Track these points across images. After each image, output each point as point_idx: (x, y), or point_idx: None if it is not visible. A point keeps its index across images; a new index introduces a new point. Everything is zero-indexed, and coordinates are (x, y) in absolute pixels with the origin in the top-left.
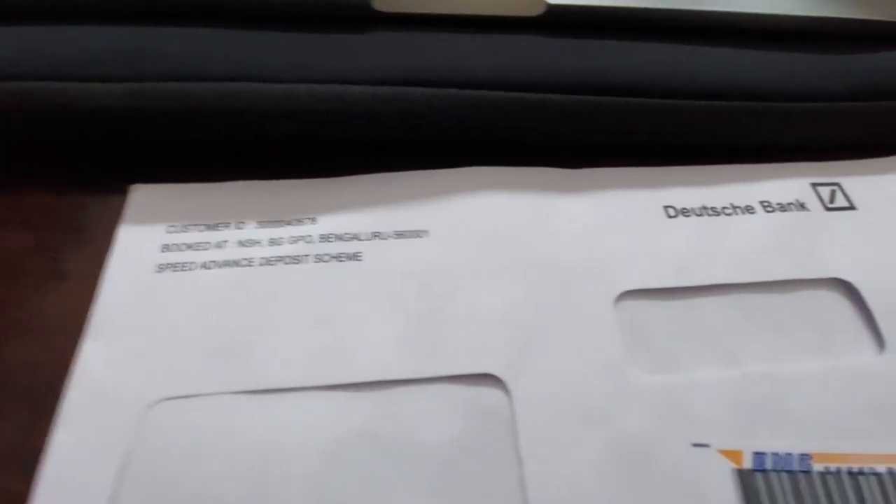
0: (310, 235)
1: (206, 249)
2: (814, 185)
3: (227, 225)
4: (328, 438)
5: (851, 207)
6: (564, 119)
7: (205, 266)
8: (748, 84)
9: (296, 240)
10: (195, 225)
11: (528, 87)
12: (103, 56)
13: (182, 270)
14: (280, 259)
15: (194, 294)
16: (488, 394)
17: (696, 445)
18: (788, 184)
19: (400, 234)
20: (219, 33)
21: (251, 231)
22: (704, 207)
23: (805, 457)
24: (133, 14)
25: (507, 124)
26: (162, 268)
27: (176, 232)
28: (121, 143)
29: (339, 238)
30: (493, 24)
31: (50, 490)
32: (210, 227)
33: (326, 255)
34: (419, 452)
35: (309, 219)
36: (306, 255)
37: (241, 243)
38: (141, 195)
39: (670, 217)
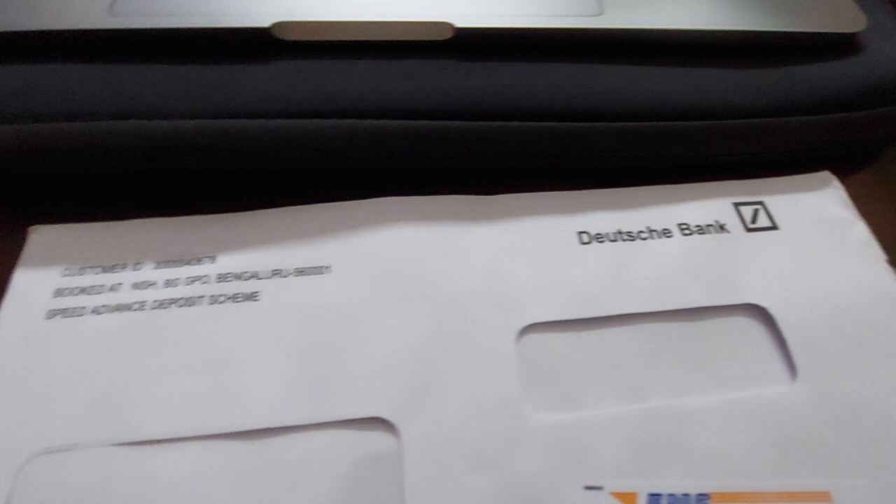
0: (207, 276)
1: (99, 293)
2: (736, 204)
3: (123, 266)
4: (211, 492)
5: (774, 227)
6: (473, 146)
7: (96, 311)
8: (664, 103)
9: (192, 280)
10: (92, 267)
11: (435, 114)
12: None
13: (72, 316)
14: (174, 302)
15: (82, 341)
16: (377, 438)
17: (588, 488)
18: (709, 204)
19: (301, 271)
20: (110, 68)
21: (148, 272)
22: (619, 232)
23: (703, 497)
24: (21, 51)
25: (412, 153)
26: (52, 314)
27: (71, 275)
28: (18, 182)
29: (238, 277)
30: (401, 49)
31: None
32: (106, 269)
33: (222, 295)
34: (304, 499)
35: (208, 257)
36: (201, 297)
37: (136, 286)
38: (40, 237)
39: (583, 244)
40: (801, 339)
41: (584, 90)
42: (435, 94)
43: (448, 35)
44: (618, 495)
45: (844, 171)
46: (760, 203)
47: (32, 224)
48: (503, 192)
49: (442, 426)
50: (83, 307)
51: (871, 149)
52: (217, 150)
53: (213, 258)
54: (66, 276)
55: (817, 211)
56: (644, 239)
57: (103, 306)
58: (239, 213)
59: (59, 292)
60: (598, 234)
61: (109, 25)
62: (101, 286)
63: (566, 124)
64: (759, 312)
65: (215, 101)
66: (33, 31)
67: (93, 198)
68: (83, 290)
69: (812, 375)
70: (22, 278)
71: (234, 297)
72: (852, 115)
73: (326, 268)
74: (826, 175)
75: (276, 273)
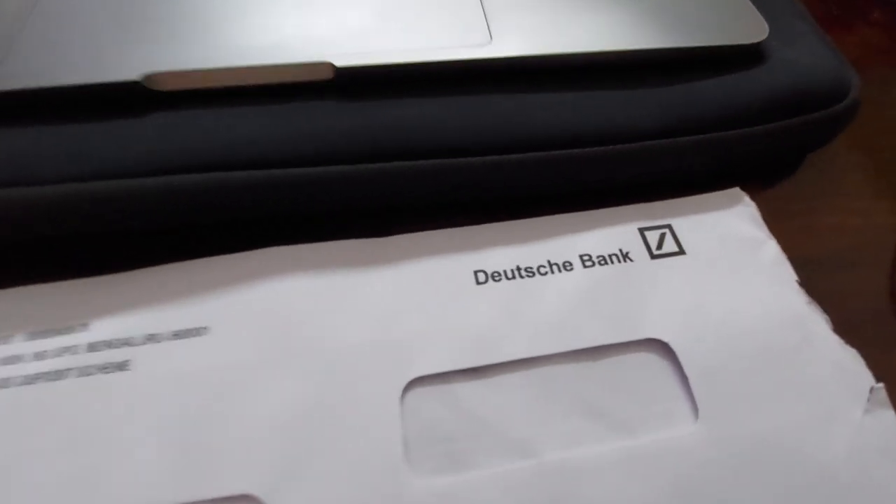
0: (77, 345)
1: None
2: (642, 229)
3: None
4: None
5: (680, 252)
6: (355, 190)
7: None
8: (558, 130)
9: (62, 352)
10: None
11: (314, 159)
12: None
13: None
14: (41, 376)
15: None
16: None
17: None
18: (613, 231)
19: (177, 334)
20: None
21: (17, 346)
22: (518, 268)
23: None
24: None
25: (291, 202)
26: None
27: None
28: None
29: (109, 346)
30: (281, 92)
31: None
32: None
33: (92, 366)
34: None
35: (81, 325)
36: (69, 370)
37: (5, 360)
38: None
39: (479, 283)
40: (703, 375)
41: (473, 123)
42: (314, 138)
43: (329, 75)
44: None
45: (761, 184)
46: (667, 226)
47: None
48: (399, 231)
49: (315, 499)
50: None
51: (786, 160)
52: (93, 214)
53: (85, 325)
54: None
55: (726, 231)
56: (544, 274)
57: None
58: (114, 275)
59: None
60: (496, 273)
61: None
62: None
63: (454, 160)
64: (660, 347)
65: (90, 161)
66: None
67: None
68: None
69: (713, 414)
70: None
71: (104, 368)
72: (757, 130)
73: (204, 329)
74: (736, 192)
75: (151, 338)
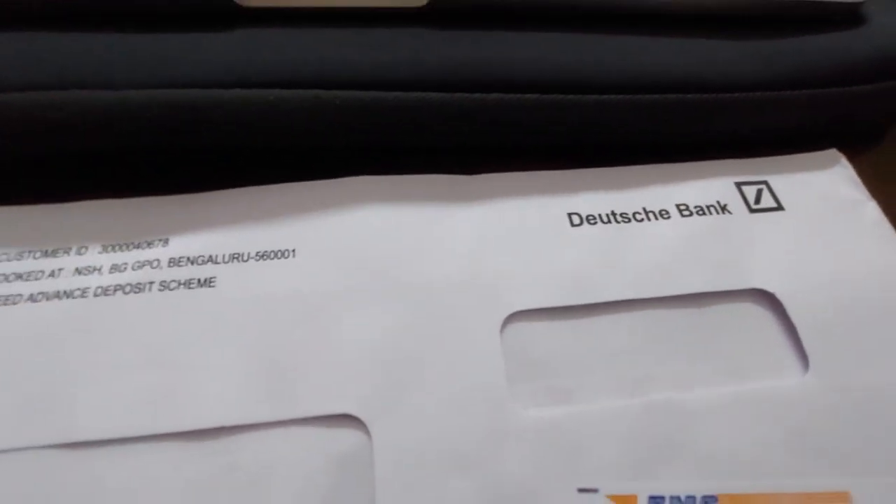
0: (157, 260)
1: (37, 279)
2: (738, 184)
3: (67, 251)
4: (161, 499)
5: (779, 208)
6: (451, 120)
7: (32, 298)
8: (661, 74)
9: (141, 265)
10: (31, 251)
11: (408, 85)
12: None
13: (6, 304)
14: (119, 288)
15: (16, 331)
16: (346, 438)
17: (582, 491)
18: (710, 184)
19: (262, 255)
20: (50, 37)
21: (92, 257)
22: (613, 213)
23: (710, 499)
24: None
25: (383, 128)
26: None
27: (7, 260)
28: None
29: (192, 262)
30: (373, 17)
31: None
32: (47, 254)
33: (174, 281)
34: None
35: (160, 240)
36: (150, 283)
37: (79, 271)
38: None
39: (574, 225)
40: (813, 327)
41: (574, 59)
42: (408, 64)
43: (422, 2)
44: (615, 498)
45: (851, 150)
46: (764, 182)
47: None
48: (486, 172)
49: (418, 425)
50: (18, 294)
51: (878, 126)
52: (166, 124)
53: (165, 241)
54: (3, 261)
55: (825, 190)
56: (640, 221)
57: (41, 293)
58: (195, 195)
59: None
60: (590, 216)
61: None
62: (41, 272)
63: (553, 96)
64: (766, 298)
65: (166, 70)
66: None
67: (35, 179)
68: (19, 277)
69: (825, 366)
70: None
71: (187, 283)
72: (856, 89)
73: (291, 252)
74: (833, 153)
75: (235, 257)
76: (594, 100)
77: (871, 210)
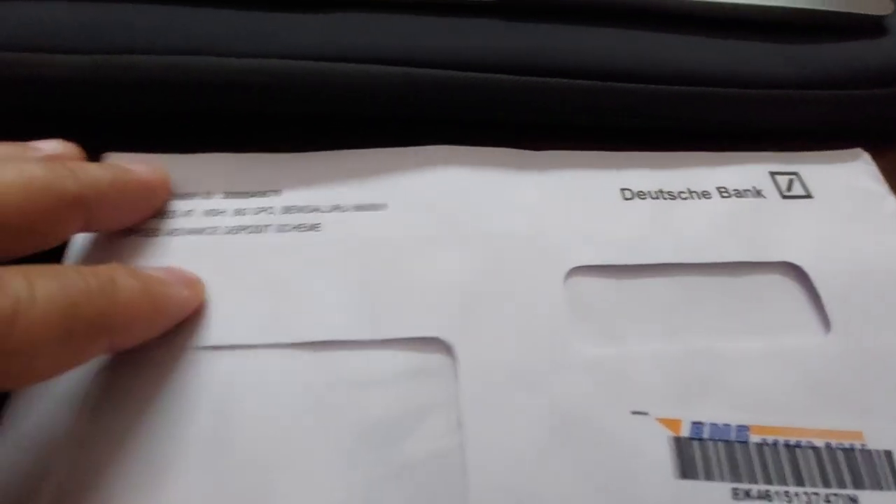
0: (273, 207)
1: (172, 217)
2: (772, 173)
3: (194, 195)
4: (278, 393)
5: (808, 196)
6: (519, 99)
7: (170, 233)
8: (707, 70)
9: (259, 210)
10: None
11: (483, 67)
12: (67, 28)
13: (147, 235)
14: (243, 228)
15: (156, 258)
16: (434, 358)
17: (634, 413)
18: (747, 171)
19: (359, 207)
20: (180, 10)
21: (217, 201)
22: (661, 191)
23: (742, 428)
24: None
25: (461, 104)
26: (128, 232)
27: None
28: (89, 116)
29: (301, 210)
30: (450, 8)
31: None
32: (178, 196)
33: (288, 225)
34: (364, 407)
35: (273, 191)
36: (268, 226)
37: (208, 212)
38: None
39: (626, 199)
40: (835, 295)
41: (629, 53)
42: (482, 49)
43: None
44: (663, 421)
45: (875, 148)
46: (795, 173)
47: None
48: (547, 150)
49: (495, 350)
50: (159, 228)
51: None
52: (281, 90)
53: (277, 192)
54: None
55: (850, 183)
56: (684, 199)
57: (178, 229)
58: (301, 153)
59: None
60: (641, 192)
61: None
62: (174, 211)
63: (609, 83)
64: (794, 270)
65: (282, 44)
66: None
67: (158, 136)
68: (158, 213)
69: (845, 328)
70: None
71: (298, 227)
72: (879, 92)
73: (383, 205)
74: (858, 151)
75: (336, 208)
76: (646, 89)
77: (891, 203)
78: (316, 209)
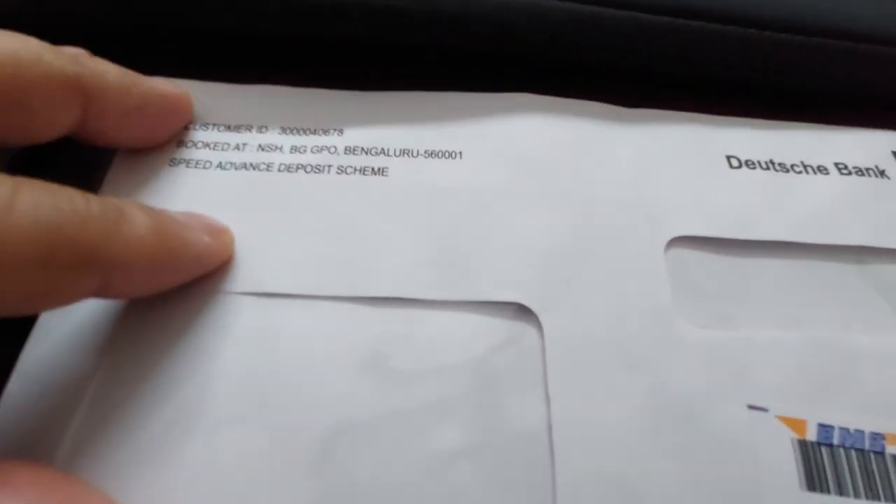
0: (334, 146)
1: (224, 150)
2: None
3: (249, 128)
4: (335, 351)
5: None
6: (652, 41)
7: (221, 166)
8: (849, 23)
9: (319, 149)
10: (216, 125)
11: (620, 3)
12: None
13: (195, 167)
14: (301, 167)
15: (205, 192)
16: (517, 325)
17: (752, 408)
18: (868, 147)
19: (431, 154)
20: None
21: (273, 136)
22: (772, 162)
23: (877, 436)
24: None
25: (587, 41)
26: (176, 162)
27: (196, 129)
28: (153, 36)
29: (366, 151)
30: None
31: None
32: (231, 128)
33: (350, 167)
34: (435, 377)
35: (336, 130)
36: (329, 166)
37: (262, 147)
38: None
39: (733, 167)
40: None
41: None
42: None
43: None
44: (785, 420)
45: None
46: None
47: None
48: (648, 108)
49: (587, 321)
50: (209, 161)
51: None
52: (378, 16)
53: (340, 131)
54: (190, 128)
55: None
56: (798, 172)
57: (229, 163)
58: (368, 92)
59: (181, 143)
60: (749, 161)
61: None
62: (227, 143)
63: (751, 31)
64: None
65: None
66: None
67: (223, 61)
68: (207, 145)
69: None
70: None
71: (362, 170)
72: None
73: (458, 153)
74: None
75: (405, 152)
76: (788, 39)
77: None
78: (382, 152)
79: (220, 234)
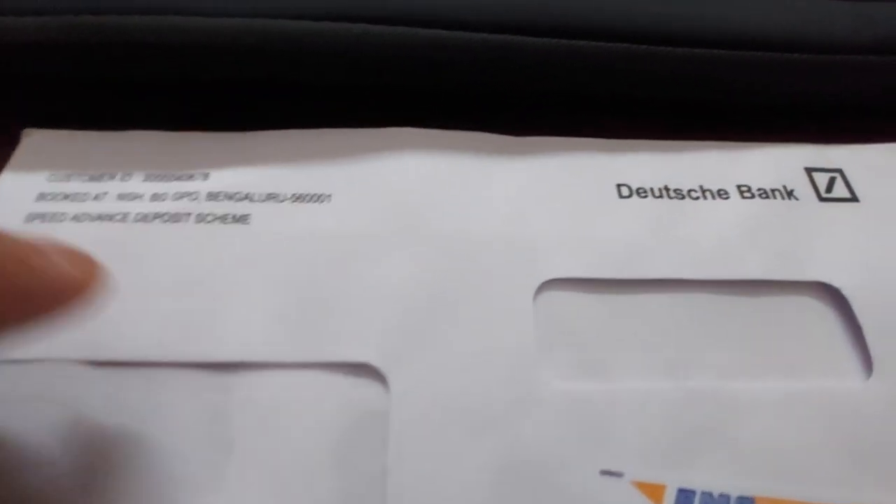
0: (197, 192)
1: (83, 201)
2: (809, 169)
3: (112, 176)
4: (176, 420)
5: (853, 199)
6: (535, 65)
7: (76, 219)
8: (759, 31)
9: (180, 196)
10: (79, 174)
11: (494, 26)
12: None
13: (51, 221)
14: (158, 216)
15: None
16: (365, 387)
17: (605, 473)
18: (777, 166)
19: (299, 197)
20: None
21: (136, 184)
22: (666, 188)
23: (745, 500)
24: None
25: (463, 70)
26: (31, 217)
27: (57, 181)
28: (50, 81)
29: (230, 197)
30: None
31: None
32: (94, 178)
33: (211, 215)
34: (273, 447)
35: (201, 174)
36: (188, 214)
37: (121, 196)
38: (32, 140)
39: (623, 197)
40: (881, 328)
41: (668, 11)
42: (495, 4)
43: None
44: (641, 486)
45: None
46: (838, 170)
47: (29, 127)
48: (543, 131)
49: (439, 380)
50: (63, 213)
51: None
52: (253, 53)
53: (205, 175)
54: (51, 181)
55: None
56: (695, 198)
57: (85, 214)
58: (238, 133)
59: (42, 196)
60: (641, 188)
61: None
62: (86, 194)
63: (643, 47)
64: (830, 293)
65: (258, 1)
66: None
67: (94, 106)
68: (67, 197)
69: (893, 371)
70: (8, 180)
71: (223, 218)
72: None
73: (327, 196)
74: None
75: (272, 197)
76: (685, 53)
77: None
78: (247, 197)
79: (87, 264)
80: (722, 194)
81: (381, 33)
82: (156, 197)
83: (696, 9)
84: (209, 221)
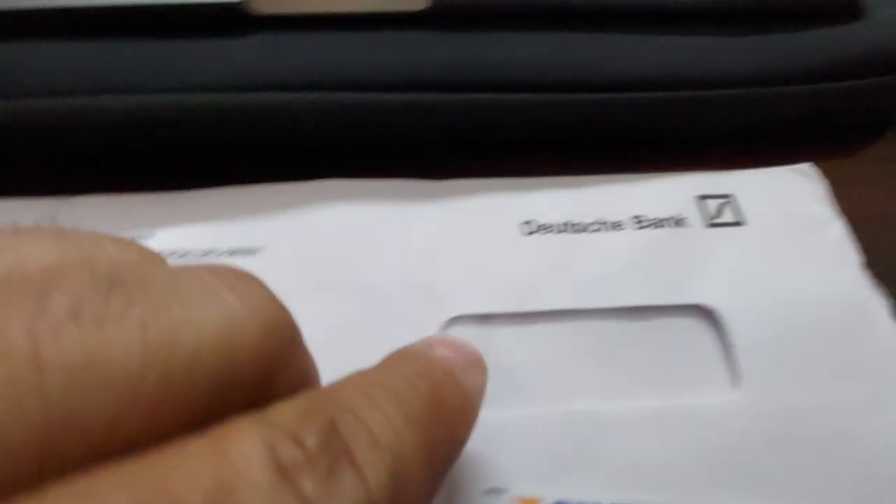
0: None
1: None
2: (701, 197)
3: None
4: None
5: (739, 223)
6: (444, 119)
7: None
8: (656, 73)
9: None
10: None
11: (406, 86)
12: None
13: None
14: None
15: None
16: None
17: (489, 492)
18: (671, 196)
19: (232, 252)
20: (85, 45)
21: None
22: (567, 223)
23: None
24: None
25: (381, 128)
26: None
27: None
28: None
29: (170, 255)
30: (377, 21)
31: None
32: None
33: None
34: None
35: (148, 234)
36: None
37: None
38: None
39: (527, 234)
40: (750, 345)
41: (564, 60)
42: (406, 65)
43: (423, 6)
44: (521, 501)
45: (849, 149)
46: (728, 196)
47: None
48: (463, 177)
49: None
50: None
51: (878, 121)
52: (183, 125)
53: (150, 236)
54: None
55: (791, 207)
56: (594, 231)
57: None
58: (181, 192)
59: None
60: (544, 225)
61: (85, 3)
62: None
63: (542, 96)
64: (706, 314)
65: (186, 75)
66: (11, 10)
67: (38, 174)
68: None
69: (757, 384)
70: None
71: None
72: (852, 84)
73: (258, 249)
74: (806, 168)
75: (208, 253)
76: (582, 98)
77: (835, 230)
78: (184, 256)
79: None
80: (617, 226)
81: (304, 100)
82: None
83: (588, 56)
84: None
